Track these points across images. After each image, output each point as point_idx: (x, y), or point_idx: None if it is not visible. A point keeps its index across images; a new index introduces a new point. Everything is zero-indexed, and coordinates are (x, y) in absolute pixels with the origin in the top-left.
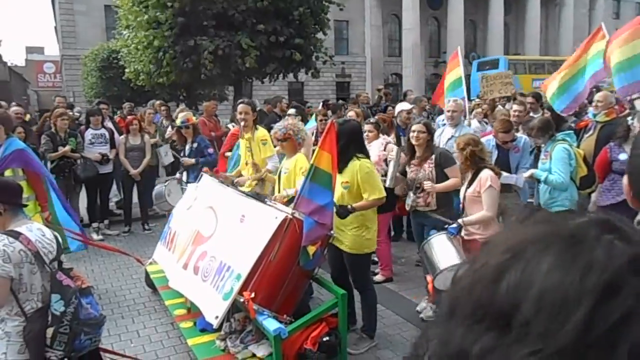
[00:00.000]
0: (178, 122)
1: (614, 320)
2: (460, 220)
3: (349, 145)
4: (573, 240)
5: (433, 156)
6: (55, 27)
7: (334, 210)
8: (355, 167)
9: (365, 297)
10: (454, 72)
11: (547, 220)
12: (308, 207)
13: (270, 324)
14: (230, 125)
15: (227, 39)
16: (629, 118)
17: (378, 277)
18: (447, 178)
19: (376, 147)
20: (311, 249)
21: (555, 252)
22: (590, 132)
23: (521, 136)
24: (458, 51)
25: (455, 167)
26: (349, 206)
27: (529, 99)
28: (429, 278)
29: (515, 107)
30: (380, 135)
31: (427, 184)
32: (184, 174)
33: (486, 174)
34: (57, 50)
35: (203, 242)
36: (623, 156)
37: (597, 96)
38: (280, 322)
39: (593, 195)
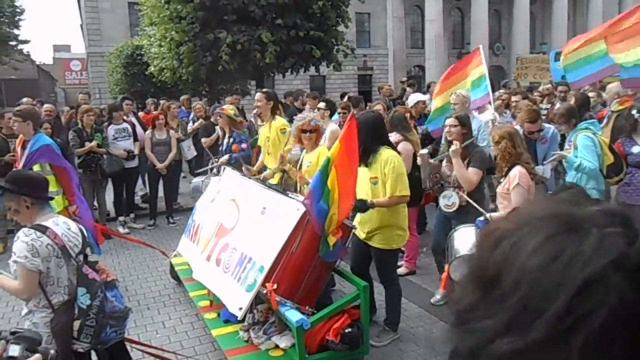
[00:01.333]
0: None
1: (581, 313)
2: (487, 215)
3: (367, 137)
4: (567, 226)
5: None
6: (81, 25)
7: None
8: (381, 160)
9: (390, 292)
10: (477, 69)
11: (563, 201)
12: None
13: (293, 315)
14: (253, 120)
15: (247, 34)
16: (634, 111)
17: (401, 270)
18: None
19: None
20: (331, 240)
21: (545, 233)
22: (605, 121)
23: (549, 127)
24: (480, 49)
25: (477, 171)
26: (369, 201)
27: (561, 88)
28: (446, 267)
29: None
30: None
31: (453, 150)
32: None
33: (515, 172)
34: (83, 47)
35: (225, 234)
36: (636, 149)
37: (607, 89)
38: (303, 313)
39: (613, 190)
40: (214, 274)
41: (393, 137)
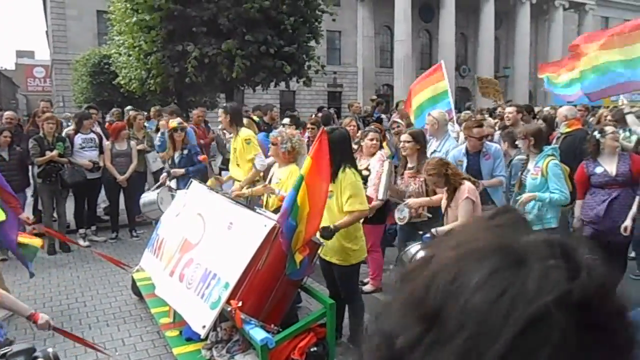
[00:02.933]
0: (173, 124)
1: (523, 353)
2: (433, 230)
3: (337, 153)
4: (511, 258)
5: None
6: (47, 32)
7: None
8: (342, 176)
9: (353, 307)
10: (439, 84)
11: (505, 227)
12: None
13: (257, 334)
14: (220, 132)
15: (216, 47)
16: (596, 132)
17: (367, 287)
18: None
19: (376, 161)
20: (298, 257)
21: (489, 267)
22: (554, 142)
23: (491, 144)
24: (442, 64)
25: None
26: (331, 226)
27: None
28: None
29: (509, 109)
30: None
31: (410, 201)
32: (174, 181)
33: (464, 188)
34: (48, 54)
35: (190, 249)
36: (599, 169)
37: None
38: (268, 331)
39: (575, 210)
40: (176, 290)
41: (381, 153)
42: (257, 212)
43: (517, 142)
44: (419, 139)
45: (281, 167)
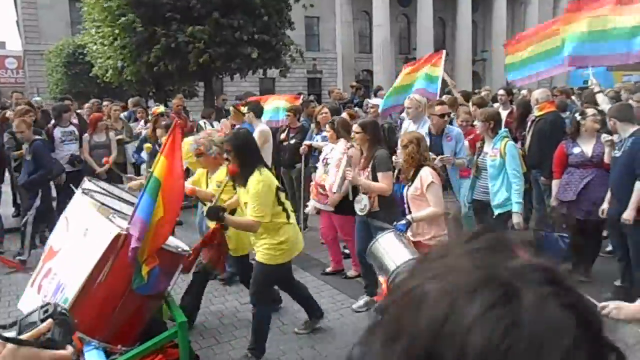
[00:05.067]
0: (160, 109)
1: None
2: (409, 217)
3: (246, 158)
4: (502, 291)
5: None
6: (17, 21)
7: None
8: (250, 182)
9: (257, 312)
10: (436, 69)
11: (485, 251)
12: (132, 219)
13: (92, 357)
14: (201, 122)
15: (188, 34)
16: (577, 114)
17: (351, 273)
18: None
19: (339, 149)
20: (145, 269)
21: (481, 303)
22: (528, 125)
23: (452, 127)
24: (443, 55)
25: (386, 174)
26: (221, 213)
27: (501, 91)
28: (382, 279)
29: (462, 116)
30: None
31: (348, 173)
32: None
33: (426, 171)
34: (20, 45)
35: (52, 258)
36: (577, 149)
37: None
38: (112, 353)
39: (553, 189)
40: (34, 302)
41: (342, 144)
42: (109, 219)
43: (474, 123)
44: (368, 130)
45: (213, 173)
